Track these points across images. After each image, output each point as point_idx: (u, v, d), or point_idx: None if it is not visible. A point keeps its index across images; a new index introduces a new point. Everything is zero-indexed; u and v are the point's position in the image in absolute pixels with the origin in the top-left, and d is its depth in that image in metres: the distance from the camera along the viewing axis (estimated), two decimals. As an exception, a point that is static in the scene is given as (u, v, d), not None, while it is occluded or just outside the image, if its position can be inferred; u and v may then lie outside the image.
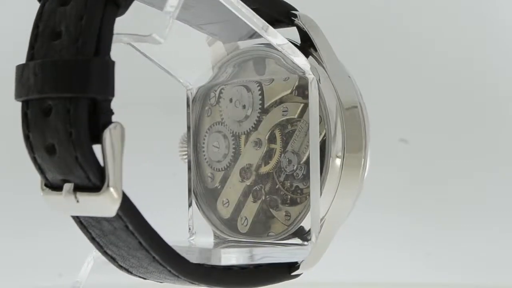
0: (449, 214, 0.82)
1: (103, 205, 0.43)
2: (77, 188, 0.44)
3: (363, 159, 0.55)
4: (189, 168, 0.64)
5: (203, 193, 0.63)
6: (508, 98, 0.84)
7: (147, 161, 0.83)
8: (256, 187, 0.60)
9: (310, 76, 0.55)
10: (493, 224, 0.82)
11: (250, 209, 0.60)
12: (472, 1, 0.85)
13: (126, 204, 0.44)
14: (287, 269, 0.54)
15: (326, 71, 0.55)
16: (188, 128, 0.64)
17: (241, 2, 0.50)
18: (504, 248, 0.81)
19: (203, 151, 0.63)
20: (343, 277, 0.80)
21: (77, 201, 0.44)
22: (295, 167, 0.57)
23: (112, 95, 0.44)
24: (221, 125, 0.62)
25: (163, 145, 0.82)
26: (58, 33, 0.44)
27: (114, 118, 0.44)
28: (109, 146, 0.43)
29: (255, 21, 0.51)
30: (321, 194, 0.54)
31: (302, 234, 0.56)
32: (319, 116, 0.55)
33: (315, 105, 0.55)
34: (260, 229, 0.59)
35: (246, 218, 0.60)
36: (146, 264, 0.48)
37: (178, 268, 0.47)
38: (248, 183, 0.60)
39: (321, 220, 0.54)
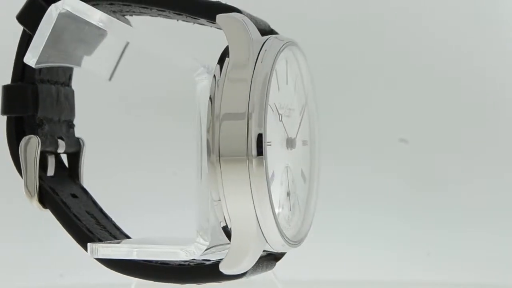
0: (450, 214, 0.83)
1: (31, 202, 0.55)
2: None
3: (247, 161, 0.49)
4: None
5: None
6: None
7: (147, 160, 0.83)
8: None
9: (197, 78, 0.52)
10: (493, 224, 0.82)
11: None
12: (474, 1, 0.85)
13: (48, 199, 0.55)
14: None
15: (225, 76, 0.50)
16: None
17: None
18: (504, 248, 0.81)
19: None
20: (344, 276, 0.81)
21: None
22: None
23: (33, 112, 0.55)
24: None
25: (163, 144, 0.82)
26: None
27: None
28: (20, 155, 0.54)
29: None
30: (211, 196, 0.50)
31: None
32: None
33: (198, 106, 0.51)
34: None
35: None
36: None
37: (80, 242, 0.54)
38: None
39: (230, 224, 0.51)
